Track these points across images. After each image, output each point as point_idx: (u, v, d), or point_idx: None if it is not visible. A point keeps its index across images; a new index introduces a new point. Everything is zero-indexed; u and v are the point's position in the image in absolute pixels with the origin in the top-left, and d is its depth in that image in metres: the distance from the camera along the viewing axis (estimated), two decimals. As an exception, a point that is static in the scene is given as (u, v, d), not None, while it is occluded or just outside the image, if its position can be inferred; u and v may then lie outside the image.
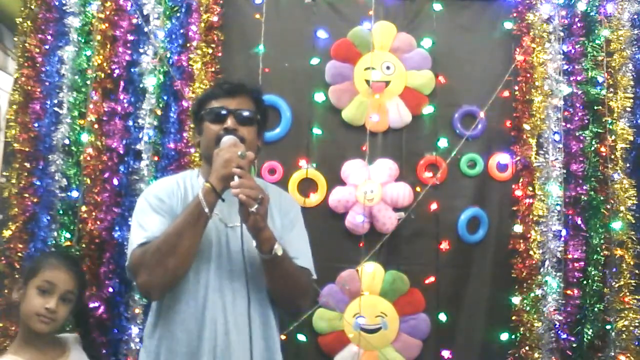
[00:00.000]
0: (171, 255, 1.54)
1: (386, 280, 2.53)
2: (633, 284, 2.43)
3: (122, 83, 2.50)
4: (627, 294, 2.42)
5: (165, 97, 2.50)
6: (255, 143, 1.76)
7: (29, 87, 2.49)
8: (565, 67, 2.59)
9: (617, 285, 2.43)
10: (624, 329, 2.40)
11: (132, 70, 2.50)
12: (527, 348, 2.42)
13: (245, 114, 1.72)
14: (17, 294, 1.91)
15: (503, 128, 2.65)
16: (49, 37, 2.52)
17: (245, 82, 1.81)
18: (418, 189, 2.59)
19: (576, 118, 2.57)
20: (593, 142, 2.55)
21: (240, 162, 1.55)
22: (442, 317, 2.54)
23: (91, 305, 2.32)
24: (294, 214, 1.81)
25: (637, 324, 2.40)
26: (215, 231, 1.66)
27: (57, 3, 2.52)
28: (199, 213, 1.55)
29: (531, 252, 2.46)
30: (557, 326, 2.41)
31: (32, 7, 2.53)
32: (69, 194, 2.41)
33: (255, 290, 1.63)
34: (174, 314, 1.62)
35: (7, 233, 2.41)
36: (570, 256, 2.47)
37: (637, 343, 2.41)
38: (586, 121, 2.57)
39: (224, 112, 1.71)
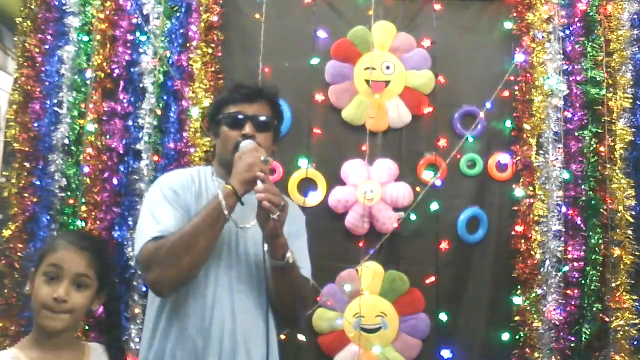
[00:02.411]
0: (187, 255, 1.54)
1: (386, 280, 2.53)
2: (630, 282, 2.43)
3: (122, 83, 2.50)
4: (624, 293, 2.42)
5: (165, 97, 2.50)
6: (271, 149, 1.76)
7: (29, 87, 2.50)
8: (565, 67, 2.59)
9: (614, 285, 2.44)
10: (619, 328, 2.40)
11: (132, 70, 2.50)
12: (528, 348, 2.42)
13: (263, 119, 1.73)
14: (29, 287, 1.58)
15: (503, 128, 2.65)
16: (49, 37, 2.52)
17: (263, 87, 1.82)
18: (418, 189, 2.59)
19: (576, 118, 2.57)
20: (592, 142, 2.56)
21: (263, 167, 1.56)
22: (442, 317, 2.54)
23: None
24: (300, 224, 1.82)
25: (633, 324, 2.40)
26: (227, 231, 1.66)
27: (57, 3, 2.52)
28: (218, 215, 1.55)
29: (532, 252, 2.46)
30: (557, 326, 2.41)
31: (32, 7, 2.53)
32: (69, 194, 2.41)
33: (263, 293, 1.64)
34: (182, 310, 1.62)
35: (7, 233, 2.41)
36: (570, 256, 2.48)
37: (635, 343, 2.41)
38: (586, 121, 2.58)
39: (242, 117, 1.71)
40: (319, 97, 2.62)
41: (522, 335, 2.45)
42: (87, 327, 2.32)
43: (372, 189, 2.54)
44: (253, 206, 1.58)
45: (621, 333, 2.40)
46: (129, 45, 2.51)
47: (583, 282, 2.48)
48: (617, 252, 2.45)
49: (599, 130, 2.56)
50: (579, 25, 2.63)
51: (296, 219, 1.81)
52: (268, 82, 2.51)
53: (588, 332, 2.44)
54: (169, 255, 1.54)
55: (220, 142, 1.76)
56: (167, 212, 1.63)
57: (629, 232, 2.46)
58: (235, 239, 1.67)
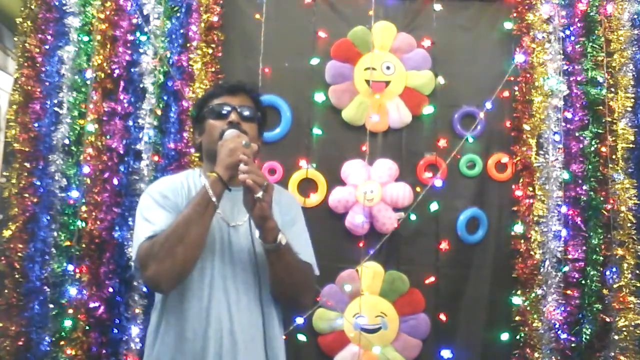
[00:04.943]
0: (180, 245, 1.54)
1: (386, 280, 2.53)
2: (634, 284, 2.43)
3: (122, 83, 2.50)
4: (628, 294, 2.42)
5: (165, 97, 2.50)
6: (257, 140, 1.76)
7: (29, 87, 2.50)
8: (565, 67, 2.59)
9: (617, 285, 2.44)
10: (623, 329, 2.40)
11: (132, 70, 2.50)
12: (528, 348, 2.42)
13: (247, 111, 1.74)
14: None
15: (503, 128, 2.65)
16: (49, 37, 2.53)
17: (244, 82, 1.83)
18: (418, 189, 2.59)
19: (576, 118, 2.57)
20: (593, 143, 2.56)
21: (245, 150, 1.57)
22: (442, 317, 2.54)
23: (91, 305, 2.33)
24: (294, 212, 1.82)
25: (636, 324, 2.40)
26: (218, 230, 1.66)
27: (57, 3, 2.53)
28: (206, 202, 1.56)
29: (532, 252, 2.46)
30: (557, 326, 2.42)
31: (32, 7, 2.54)
32: (69, 194, 2.41)
33: (260, 289, 1.64)
34: (178, 312, 1.63)
35: (7, 233, 2.42)
36: (570, 256, 2.48)
37: (637, 343, 2.41)
38: (586, 121, 2.58)
39: (227, 108, 1.73)
40: (319, 97, 2.62)
41: (522, 335, 2.46)
42: (87, 327, 2.32)
43: (372, 189, 2.54)
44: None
45: (625, 333, 2.40)
46: (129, 45, 2.52)
47: (583, 282, 2.48)
48: (619, 252, 2.45)
49: (600, 131, 2.56)
50: (579, 25, 2.63)
51: (290, 208, 1.81)
52: (268, 82, 2.51)
53: (588, 332, 2.45)
54: (163, 248, 1.55)
55: (206, 135, 1.76)
56: (158, 214, 1.65)
57: (632, 232, 2.46)
58: (228, 237, 1.68)
